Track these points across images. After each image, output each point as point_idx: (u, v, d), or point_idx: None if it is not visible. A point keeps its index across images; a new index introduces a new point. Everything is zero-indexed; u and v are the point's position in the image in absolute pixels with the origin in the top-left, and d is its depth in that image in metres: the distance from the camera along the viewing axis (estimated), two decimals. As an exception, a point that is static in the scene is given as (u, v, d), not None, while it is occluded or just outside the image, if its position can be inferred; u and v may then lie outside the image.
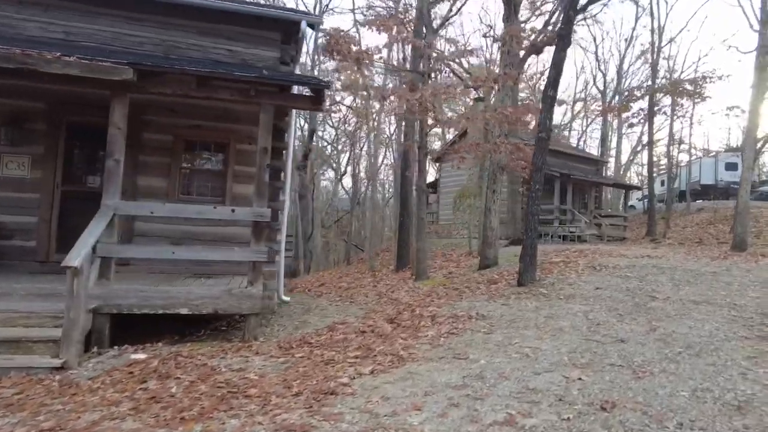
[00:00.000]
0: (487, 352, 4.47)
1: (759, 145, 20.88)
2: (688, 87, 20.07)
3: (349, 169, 30.31)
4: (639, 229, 22.56)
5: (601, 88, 31.33)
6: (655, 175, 33.63)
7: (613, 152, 33.03)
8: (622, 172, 38.95)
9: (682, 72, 26.08)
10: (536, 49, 12.21)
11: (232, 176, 7.42)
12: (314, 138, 26.07)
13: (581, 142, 37.37)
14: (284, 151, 7.60)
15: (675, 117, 23.39)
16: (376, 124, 21.36)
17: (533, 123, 13.50)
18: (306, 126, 22.85)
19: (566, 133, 40.45)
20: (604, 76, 31.40)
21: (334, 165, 32.52)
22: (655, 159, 25.66)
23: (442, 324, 5.68)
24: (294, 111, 10.25)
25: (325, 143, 30.50)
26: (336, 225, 33.17)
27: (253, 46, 7.61)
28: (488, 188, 11.68)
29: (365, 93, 16.38)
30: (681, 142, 23.91)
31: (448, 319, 5.92)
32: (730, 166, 25.79)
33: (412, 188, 14.31)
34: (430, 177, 28.05)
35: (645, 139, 31.88)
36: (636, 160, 38.01)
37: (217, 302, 5.62)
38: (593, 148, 34.88)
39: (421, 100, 8.99)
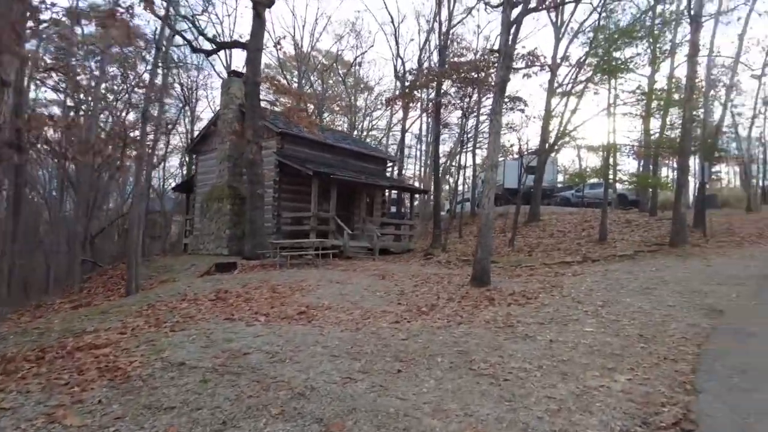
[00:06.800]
0: None
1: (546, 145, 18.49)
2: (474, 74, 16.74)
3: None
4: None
5: (404, 77, 27.65)
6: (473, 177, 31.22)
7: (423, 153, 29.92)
8: (442, 174, 36.60)
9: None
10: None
11: None
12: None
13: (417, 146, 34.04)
14: None
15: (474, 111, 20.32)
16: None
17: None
18: None
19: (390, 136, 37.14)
20: (404, 63, 27.91)
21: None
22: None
23: None
24: None
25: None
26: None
27: None
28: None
29: None
30: (468, 141, 20.87)
31: None
32: (531, 170, 23.59)
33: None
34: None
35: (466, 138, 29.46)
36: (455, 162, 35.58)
37: None
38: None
39: None
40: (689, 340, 4.55)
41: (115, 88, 25.71)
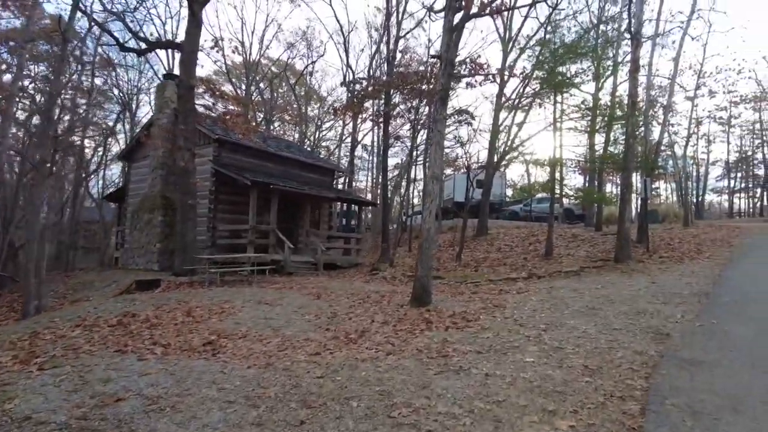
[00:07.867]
0: None
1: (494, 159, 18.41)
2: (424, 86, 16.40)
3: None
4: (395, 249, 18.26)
5: (352, 86, 27.11)
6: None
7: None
8: (395, 187, 36.15)
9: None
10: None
11: None
12: None
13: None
14: None
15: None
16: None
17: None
18: None
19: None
20: (354, 73, 27.38)
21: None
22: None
23: None
24: None
25: None
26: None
27: None
28: None
29: None
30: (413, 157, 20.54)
31: None
32: (480, 184, 23.51)
33: None
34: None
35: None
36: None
37: None
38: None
39: None
40: (636, 371, 4.11)
41: (47, 89, 23.83)
